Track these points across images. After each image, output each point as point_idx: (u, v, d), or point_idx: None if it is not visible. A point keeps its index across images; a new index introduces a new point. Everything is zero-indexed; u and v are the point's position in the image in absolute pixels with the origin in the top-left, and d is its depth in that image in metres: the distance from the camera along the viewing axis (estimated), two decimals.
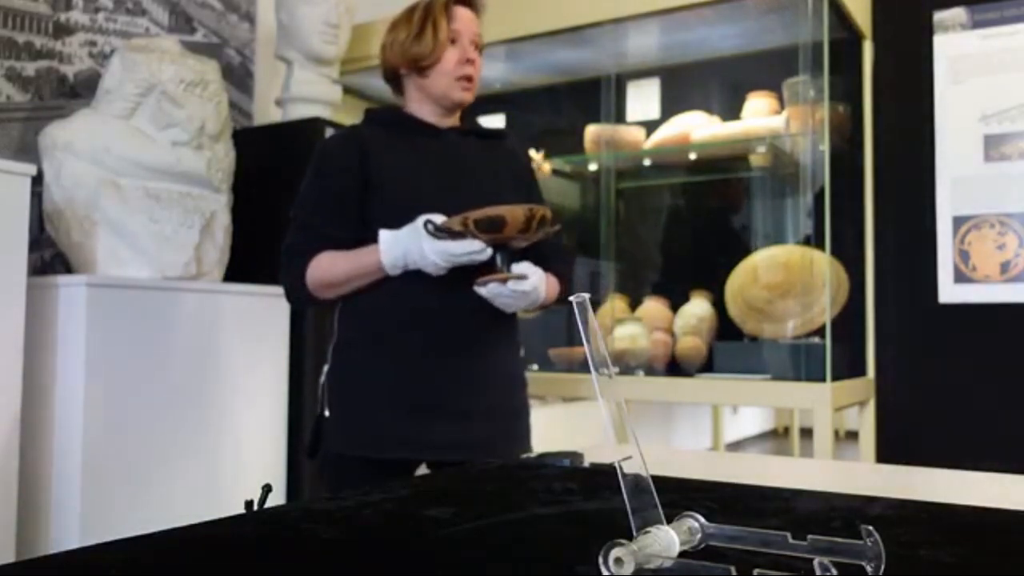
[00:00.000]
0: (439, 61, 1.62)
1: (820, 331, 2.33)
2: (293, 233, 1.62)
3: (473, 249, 1.47)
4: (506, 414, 1.62)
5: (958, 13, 2.39)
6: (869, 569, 0.50)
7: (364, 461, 1.55)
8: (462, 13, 1.65)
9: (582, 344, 0.55)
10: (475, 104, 1.73)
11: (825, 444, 2.14)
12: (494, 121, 3.06)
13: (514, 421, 1.65)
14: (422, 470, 1.61)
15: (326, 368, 1.64)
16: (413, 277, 1.53)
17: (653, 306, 2.76)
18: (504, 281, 1.50)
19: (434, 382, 1.55)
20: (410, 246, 1.49)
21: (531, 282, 1.53)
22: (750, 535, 0.54)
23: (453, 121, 1.69)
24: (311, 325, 2.44)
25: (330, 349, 1.65)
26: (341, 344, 1.63)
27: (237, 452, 2.24)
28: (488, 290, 1.51)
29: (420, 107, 1.67)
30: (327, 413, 1.61)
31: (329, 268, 1.57)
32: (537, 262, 1.61)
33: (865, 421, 2.48)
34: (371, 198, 1.58)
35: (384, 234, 1.52)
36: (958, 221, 2.36)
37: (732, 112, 2.77)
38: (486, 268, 1.53)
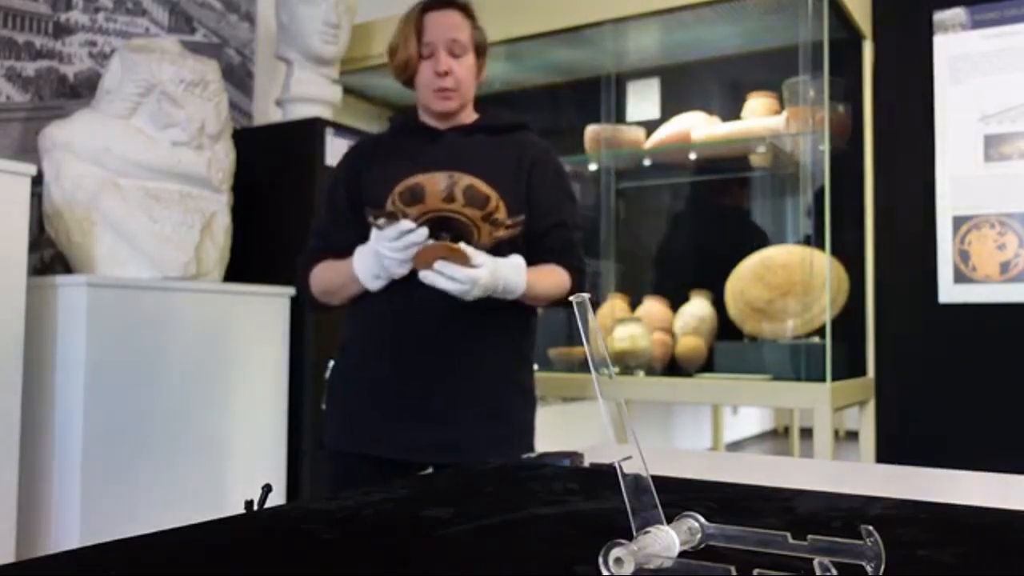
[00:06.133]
0: (414, 76, 1.62)
1: (820, 331, 2.33)
2: (309, 241, 1.68)
3: (403, 229, 1.42)
4: (490, 417, 1.56)
5: (958, 13, 2.39)
6: (869, 569, 0.50)
7: (361, 458, 1.56)
8: (436, 20, 1.60)
9: (582, 344, 0.55)
10: (477, 102, 1.72)
11: (825, 444, 2.14)
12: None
13: (500, 424, 1.57)
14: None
15: (331, 364, 1.66)
16: (404, 280, 1.53)
17: (653, 306, 2.76)
18: (430, 263, 1.41)
19: (411, 384, 1.54)
20: (373, 250, 1.49)
21: (467, 274, 1.40)
22: (750, 535, 0.54)
23: (460, 119, 1.66)
24: (311, 325, 2.44)
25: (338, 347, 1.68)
26: (343, 343, 1.66)
27: (237, 452, 2.24)
28: (422, 275, 1.43)
29: (423, 110, 1.68)
30: (323, 407, 1.66)
31: (322, 277, 1.62)
32: (544, 255, 1.58)
33: (865, 421, 2.48)
34: (365, 206, 1.59)
35: (358, 248, 1.54)
36: (958, 221, 2.36)
37: (732, 112, 2.77)
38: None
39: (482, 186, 1.46)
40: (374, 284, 1.53)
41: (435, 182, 1.43)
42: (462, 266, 1.41)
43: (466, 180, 1.44)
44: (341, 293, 1.60)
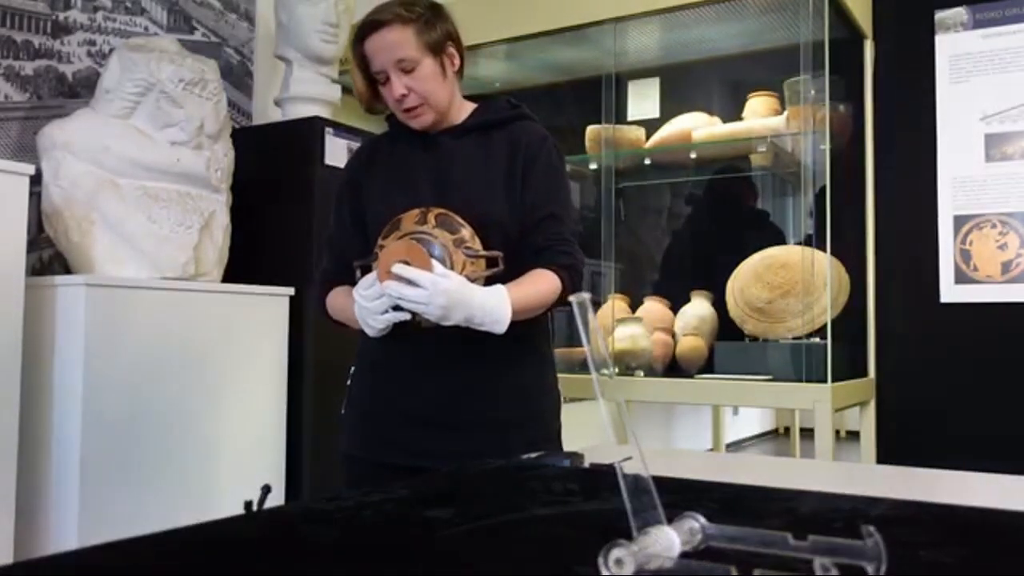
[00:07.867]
0: (379, 103, 1.59)
1: (821, 331, 2.33)
2: (323, 255, 1.65)
3: (370, 280, 1.39)
4: (501, 426, 1.52)
5: (959, 13, 2.39)
6: (870, 569, 0.50)
7: (374, 463, 1.55)
8: (374, 47, 1.50)
9: (582, 344, 0.55)
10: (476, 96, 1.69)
11: (826, 444, 2.14)
12: None
13: (509, 433, 1.51)
14: None
15: (351, 370, 1.66)
16: None
17: (653, 306, 2.76)
18: (390, 269, 1.36)
19: (422, 393, 1.52)
20: (355, 302, 1.46)
21: (427, 276, 1.33)
22: (751, 535, 0.54)
23: (450, 119, 1.59)
24: (311, 325, 2.43)
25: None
26: (361, 348, 1.64)
27: (237, 452, 2.24)
28: (383, 287, 1.37)
29: None
30: (343, 411, 1.64)
31: (335, 306, 1.60)
32: (532, 256, 1.50)
33: (866, 421, 2.48)
34: (367, 216, 1.58)
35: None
36: (959, 221, 2.36)
37: (733, 112, 2.77)
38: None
39: (455, 217, 1.44)
40: (369, 331, 1.47)
41: (411, 213, 1.45)
42: (423, 269, 1.36)
43: (439, 210, 1.45)
44: (354, 326, 1.55)
